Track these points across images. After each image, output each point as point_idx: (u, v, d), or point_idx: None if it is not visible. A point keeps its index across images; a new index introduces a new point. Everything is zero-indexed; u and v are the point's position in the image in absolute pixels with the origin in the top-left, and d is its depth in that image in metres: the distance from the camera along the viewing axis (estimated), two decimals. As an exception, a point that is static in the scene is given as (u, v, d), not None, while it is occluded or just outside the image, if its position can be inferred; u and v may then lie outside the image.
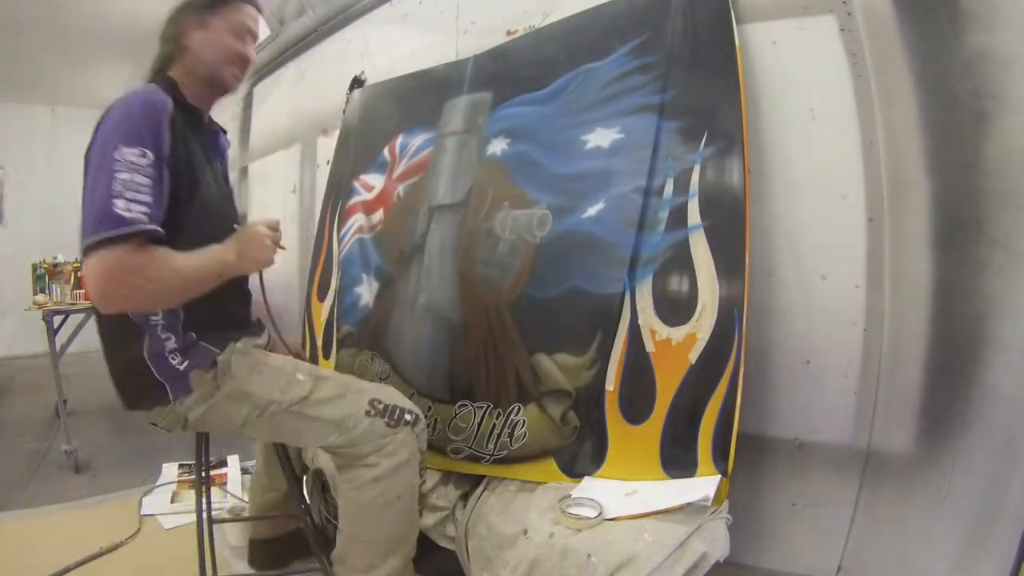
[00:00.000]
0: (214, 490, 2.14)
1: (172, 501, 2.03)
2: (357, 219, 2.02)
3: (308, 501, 1.69)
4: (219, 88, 1.23)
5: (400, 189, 1.89)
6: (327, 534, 1.71)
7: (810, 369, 1.24)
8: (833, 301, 1.22)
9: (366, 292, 1.87)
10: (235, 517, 1.69)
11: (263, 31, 1.50)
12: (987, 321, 1.07)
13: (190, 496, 1.43)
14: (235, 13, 1.20)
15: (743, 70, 1.23)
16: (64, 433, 2.47)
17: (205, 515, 1.34)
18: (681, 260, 1.23)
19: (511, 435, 1.38)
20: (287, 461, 1.40)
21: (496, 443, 1.40)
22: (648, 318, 1.25)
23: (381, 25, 2.33)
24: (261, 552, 1.63)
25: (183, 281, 1.03)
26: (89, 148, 1.02)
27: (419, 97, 1.94)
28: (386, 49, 2.27)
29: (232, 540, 1.57)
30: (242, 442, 1.63)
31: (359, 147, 2.12)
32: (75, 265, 3.00)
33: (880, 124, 1.17)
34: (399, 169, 1.92)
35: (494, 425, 1.42)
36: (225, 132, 1.34)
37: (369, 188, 2.02)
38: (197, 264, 1.04)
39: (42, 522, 1.92)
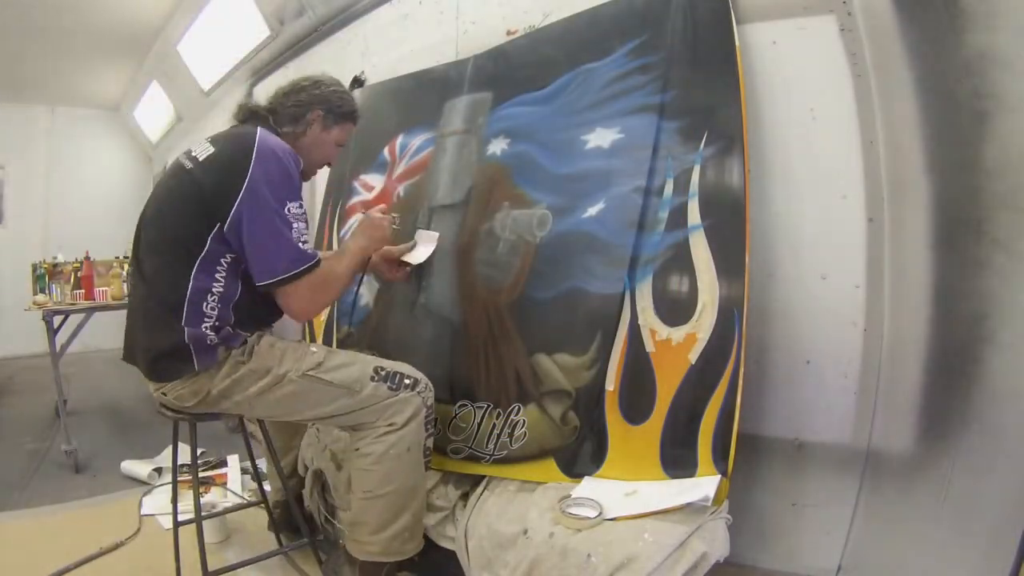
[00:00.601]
0: (215, 489, 2.15)
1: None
2: (357, 219, 2.02)
3: (308, 499, 1.69)
4: (302, 177, 1.41)
5: (400, 189, 1.89)
6: (326, 534, 1.71)
7: (810, 369, 1.24)
8: (833, 301, 1.22)
9: (366, 292, 1.87)
10: (211, 513, 1.70)
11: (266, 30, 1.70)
12: (987, 321, 1.07)
13: (190, 496, 1.43)
14: (347, 130, 1.48)
15: (743, 70, 1.23)
16: (64, 433, 2.47)
17: (185, 512, 1.34)
18: (681, 260, 1.23)
19: (511, 435, 1.38)
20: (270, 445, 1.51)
21: (496, 443, 1.40)
22: (648, 318, 1.25)
23: (381, 25, 2.33)
24: (280, 516, 1.69)
25: (347, 277, 1.37)
26: (240, 176, 1.18)
27: (419, 97, 1.94)
28: (386, 49, 2.27)
29: (209, 537, 1.58)
30: (242, 442, 1.63)
31: (359, 147, 2.12)
32: (75, 265, 3.00)
33: (880, 124, 1.17)
34: (399, 169, 1.92)
35: (494, 425, 1.42)
36: None
37: (369, 188, 2.02)
38: (349, 261, 1.36)
39: (42, 522, 1.92)
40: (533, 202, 1.48)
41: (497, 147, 1.61)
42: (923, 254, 1.13)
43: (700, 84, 1.28)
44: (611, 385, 1.27)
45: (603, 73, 1.44)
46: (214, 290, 1.21)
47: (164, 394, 1.27)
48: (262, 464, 1.88)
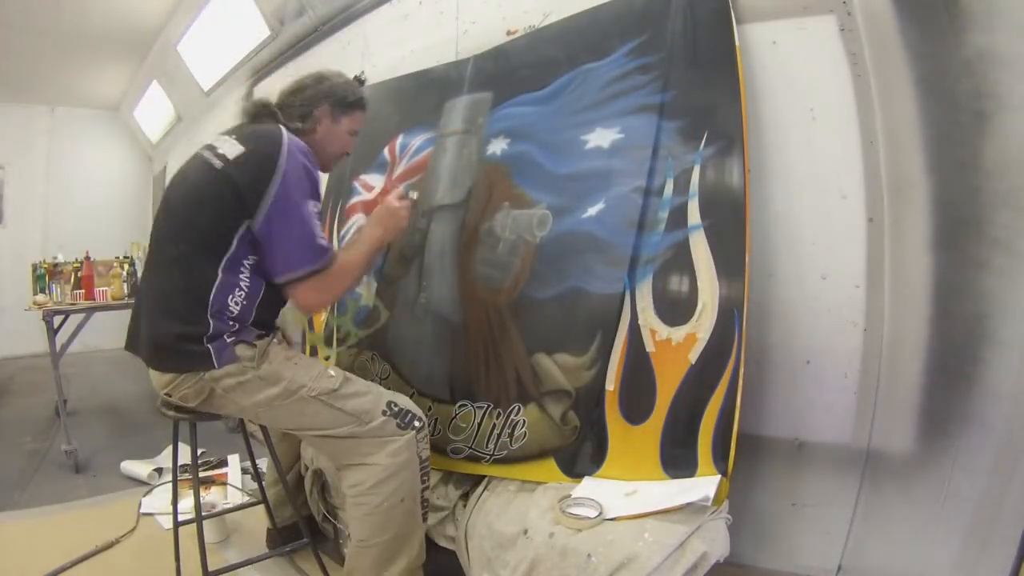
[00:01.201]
0: (216, 489, 2.15)
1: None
2: (357, 219, 2.02)
3: (308, 499, 1.69)
4: (323, 169, 1.43)
5: (401, 188, 1.89)
6: (326, 533, 1.71)
7: (810, 369, 1.24)
8: (833, 301, 1.22)
9: (366, 292, 1.87)
10: (211, 513, 1.71)
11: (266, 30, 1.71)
12: (987, 321, 1.07)
13: (190, 496, 1.43)
14: (358, 118, 1.49)
15: (743, 70, 1.23)
16: (64, 433, 2.47)
17: (185, 512, 1.34)
18: (681, 260, 1.23)
19: (511, 435, 1.38)
20: (275, 459, 1.51)
21: (496, 443, 1.40)
22: (648, 318, 1.25)
23: (381, 25, 2.33)
24: (274, 539, 1.69)
25: (361, 268, 1.39)
26: (269, 175, 1.20)
27: (419, 97, 1.94)
28: (386, 49, 2.27)
29: (209, 537, 1.58)
30: (242, 442, 1.63)
31: (359, 147, 2.11)
32: (75, 265, 3.00)
33: (880, 124, 1.17)
34: (399, 169, 1.92)
35: (494, 425, 1.42)
36: None
37: (369, 188, 2.02)
38: (365, 251, 1.38)
39: (42, 522, 1.92)
40: (533, 202, 1.48)
41: (497, 147, 1.61)
42: (923, 254, 1.13)
43: (700, 84, 1.28)
44: (611, 385, 1.27)
45: (603, 73, 1.44)
46: (241, 285, 1.23)
47: (168, 395, 1.26)
48: (262, 464, 1.88)
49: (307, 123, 1.40)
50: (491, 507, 1.29)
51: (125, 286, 2.94)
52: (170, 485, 1.54)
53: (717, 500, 1.06)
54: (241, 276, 1.23)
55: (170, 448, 1.49)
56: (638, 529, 1.03)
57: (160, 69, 4.44)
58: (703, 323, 1.18)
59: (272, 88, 1.46)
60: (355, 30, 2.49)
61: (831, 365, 1.22)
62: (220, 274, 1.20)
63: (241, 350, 1.22)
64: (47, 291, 2.94)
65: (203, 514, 1.37)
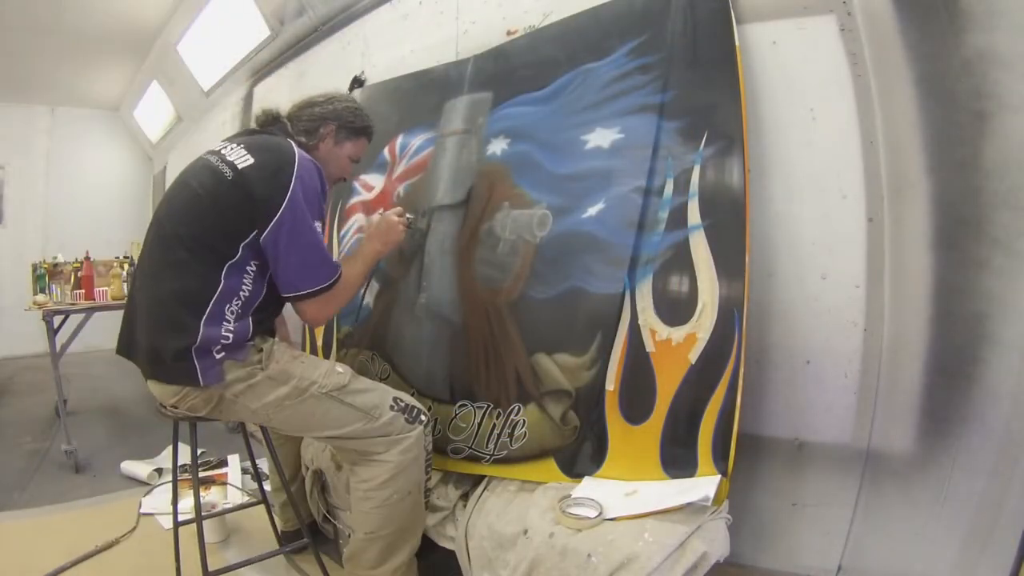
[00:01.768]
0: (216, 489, 2.15)
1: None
2: (357, 219, 2.02)
3: (308, 499, 1.69)
4: None
5: (400, 189, 1.89)
6: (326, 533, 1.71)
7: (810, 369, 1.24)
8: (833, 301, 1.22)
9: (366, 292, 1.87)
10: (211, 513, 1.71)
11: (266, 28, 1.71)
12: (987, 321, 1.07)
13: (190, 496, 1.43)
14: (361, 146, 1.51)
15: (743, 70, 1.23)
16: (64, 433, 2.47)
17: (185, 512, 1.34)
18: (681, 260, 1.23)
19: (511, 435, 1.38)
20: (278, 465, 1.52)
21: (496, 443, 1.40)
22: (648, 318, 1.25)
23: (381, 25, 2.33)
24: (288, 541, 1.67)
25: (360, 282, 1.44)
26: (282, 190, 1.20)
27: (419, 97, 1.94)
28: (386, 49, 2.27)
29: (209, 537, 1.58)
30: (242, 442, 1.63)
31: (359, 147, 2.11)
32: (75, 265, 3.00)
33: (880, 124, 1.17)
34: (399, 169, 1.92)
35: (494, 425, 1.42)
36: None
37: (369, 188, 2.02)
38: (362, 266, 1.42)
39: (42, 522, 1.92)
40: (533, 202, 1.48)
41: (497, 147, 1.61)
42: (923, 254, 1.13)
43: (700, 84, 1.28)
44: (611, 385, 1.27)
45: (603, 73, 1.44)
46: (241, 294, 1.22)
47: (175, 407, 1.25)
48: (262, 464, 1.88)
49: (311, 139, 1.41)
50: (491, 507, 1.29)
51: (125, 286, 2.94)
52: (170, 485, 1.54)
53: (717, 500, 1.06)
54: (244, 281, 1.22)
55: (170, 448, 1.49)
56: (638, 529, 1.03)
57: (160, 69, 4.44)
58: (703, 323, 1.18)
59: (273, 88, 1.46)
60: (355, 30, 2.49)
61: (831, 365, 1.22)
62: (222, 280, 1.19)
63: (229, 367, 1.20)
64: (47, 291, 2.94)
65: (203, 514, 1.36)
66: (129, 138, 5.84)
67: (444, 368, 1.58)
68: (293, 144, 1.29)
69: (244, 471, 2.27)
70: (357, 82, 2.31)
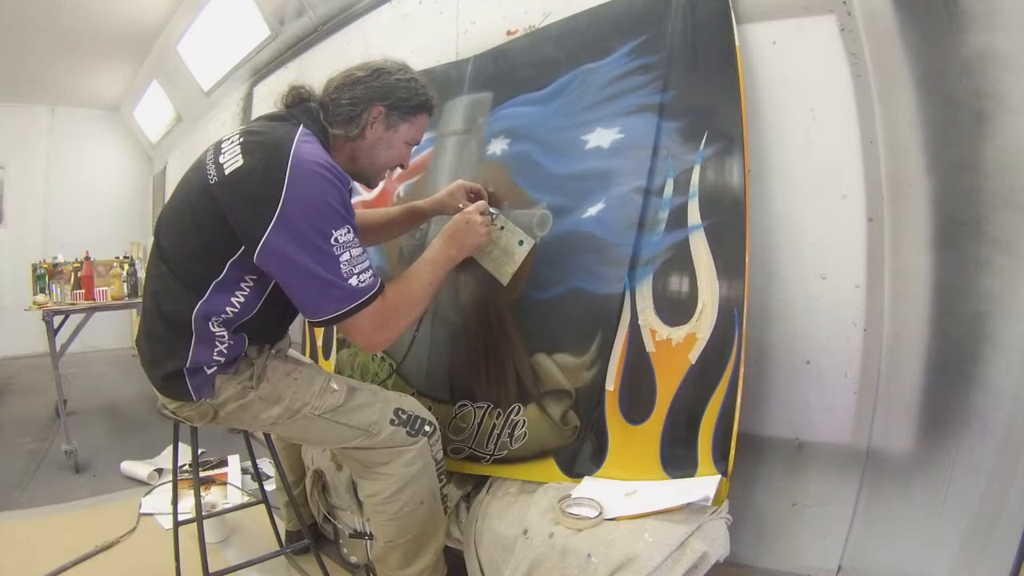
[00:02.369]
0: (216, 489, 2.15)
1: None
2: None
3: (308, 499, 1.69)
4: (365, 183, 1.27)
5: (400, 189, 1.89)
6: (326, 534, 1.71)
7: (810, 369, 1.24)
8: (833, 301, 1.22)
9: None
10: (211, 513, 1.71)
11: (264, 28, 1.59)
12: (987, 321, 1.07)
13: (191, 496, 1.43)
14: (421, 124, 1.25)
15: (743, 70, 1.23)
16: (64, 433, 2.47)
17: (185, 512, 1.34)
18: (681, 260, 1.23)
19: (511, 435, 1.38)
20: (280, 469, 1.50)
21: (496, 443, 1.40)
22: (648, 318, 1.25)
23: (381, 25, 2.33)
24: (293, 540, 1.70)
25: (430, 293, 1.20)
26: (278, 214, 1.00)
27: (419, 97, 1.94)
28: (386, 49, 2.27)
29: (209, 537, 1.59)
30: (242, 442, 1.63)
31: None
32: (75, 265, 3.00)
33: (880, 124, 1.17)
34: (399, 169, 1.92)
35: (494, 425, 1.42)
36: None
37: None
38: (432, 275, 1.19)
39: (42, 522, 1.92)
40: (533, 202, 1.48)
41: (497, 147, 1.61)
42: (923, 254, 1.13)
43: (700, 84, 1.28)
44: (611, 385, 1.27)
45: (603, 73, 1.44)
46: (227, 311, 1.10)
47: (174, 412, 1.25)
48: (262, 464, 1.88)
49: (354, 127, 1.18)
50: (493, 511, 1.29)
51: (125, 286, 2.94)
52: (170, 485, 1.54)
53: (717, 500, 1.06)
54: (231, 301, 1.10)
55: (170, 448, 1.49)
56: (638, 529, 1.03)
57: (160, 69, 4.44)
58: (703, 323, 1.18)
59: (273, 88, 1.44)
60: (355, 30, 2.49)
61: (831, 365, 1.22)
62: (205, 300, 1.08)
63: (222, 382, 1.15)
64: (47, 291, 2.94)
65: (203, 514, 1.37)
66: (129, 138, 5.85)
67: (444, 368, 1.58)
68: (296, 139, 1.05)
69: (244, 471, 2.28)
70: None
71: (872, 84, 1.17)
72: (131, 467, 2.34)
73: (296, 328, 2.15)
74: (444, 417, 1.52)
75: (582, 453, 1.28)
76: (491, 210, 1.35)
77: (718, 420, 1.14)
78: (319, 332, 2.04)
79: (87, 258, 3.01)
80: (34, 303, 2.82)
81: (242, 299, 1.11)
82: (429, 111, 1.26)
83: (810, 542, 1.25)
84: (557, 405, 1.33)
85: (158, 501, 2.03)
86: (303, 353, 2.05)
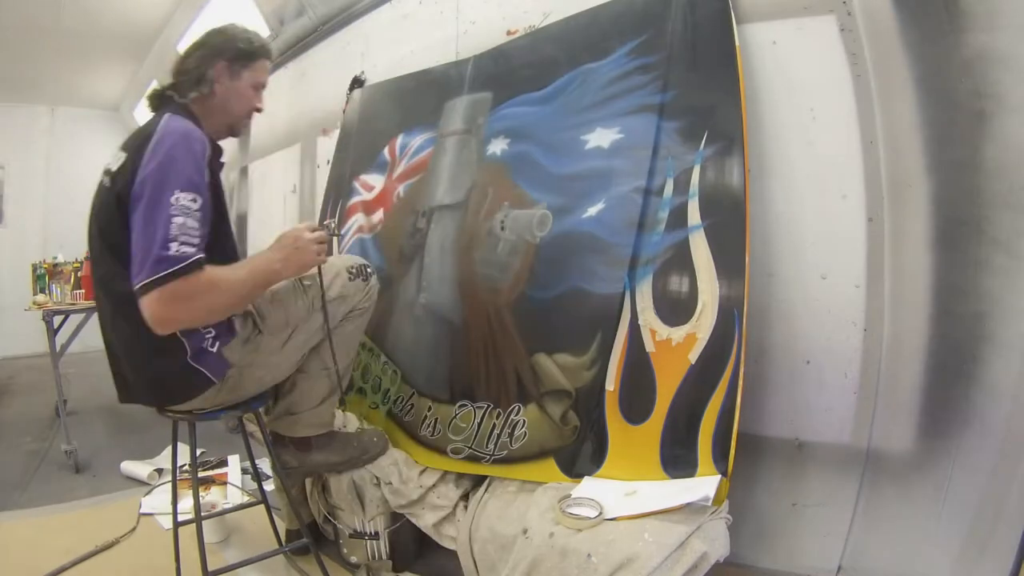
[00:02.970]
0: (216, 489, 2.15)
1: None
2: (357, 219, 2.02)
3: (308, 499, 1.69)
4: (232, 133, 1.36)
5: (400, 189, 1.89)
6: (326, 534, 1.71)
7: (810, 369, 1.24)
8: (833, 301, 1.22)
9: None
10: (211, 513, 1.71)
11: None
12: (987, 321, 1.07)
13: (191, 496, 1.43)
14: (260, 70, 1.33)
15: (743, 70, 1.23)
16: (64, 433, 2.46)
17: (184, 513, 1.34)
18: (681, 260, 1.23)
19: (511, 435, 1.38)
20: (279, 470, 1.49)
21: (496, 443, 1.40)
22: (648, 318, 1.25)
23: (381, 25, 2.33)
24: (292, 539, 1.68)
25: (236, 296, 1.15)
26: (136, 176, 1.06)
27: (419, 97, 1.94)
28: (386, 49, 2.27)
29: (209, 537, 1.59)
30: (242, 442, 1.63)
31: (359, 147, 2.12)
32: (75, 265, 3.00)
33: (880, 124, 1.17)
34: (399, 169, 1.92)
35: (494, 425, 1.42)
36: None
37: (369, 188, 2.02)
38: (250, 277, 1.17)
39: (42, 522, 1.92)
40: (533, 202, 1.48)
41: (497, 147, 1.61)
42: (923, 254, 1.13)
43: (700, 84, 1.28)
44: (611, 385, 1.27)
45: (603, 73, 1.44)
46: None
47: (202, 409, 1.25)
48: (262, 464, 1.88)
49: (203, 87, 1.25)
50: (492, 510, 1.29)
51: (125, 286, 2.94)
52: (170, 485, 1.54)
53: (717, 500, 1.06)
54: None
55: (170, 448, 1.49)
56: (638, 529, 1.03)
57: (160, 69, 4.42)
58: (703, 323, 1.18)
59: (273, 88, 1.44)
60: (355, 30, 2.49)
61: (831, 365, 1.22)
62: None
63: (229, 350, 1.21)
64: (47, 291, 2.93)
65: (203, 514, 1.36)
66: (129, 138, 5.84)
67: (444, 368, 1.58)
68: (164, 118, 1.12)
69: (244, 471, 2.27)
70: (357, 82, 2.31)
71: (872, 84, 1.17)
72: (131, 467, 2.34)
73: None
74: (444, 417, 1.52)
75: (582, 453, 1.28)
76: (328, 222, 1.48)
77: (718, 420, 1.14)
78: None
79: (87, 258, 2.99)
80: (34, 303, 2.82)
81: None
82: (267, 55, 1.36)
83: (810, 542, 1.25)
84: (557, 405, 1.33)
85: (158, 501, 2.03)
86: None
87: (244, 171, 3.60)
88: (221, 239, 1.23)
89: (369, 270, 1.46)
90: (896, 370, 1.16)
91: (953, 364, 1.11)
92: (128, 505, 2.02)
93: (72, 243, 4.07)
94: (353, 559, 1.57)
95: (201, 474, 2.18)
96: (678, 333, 1.21)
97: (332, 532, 1.69)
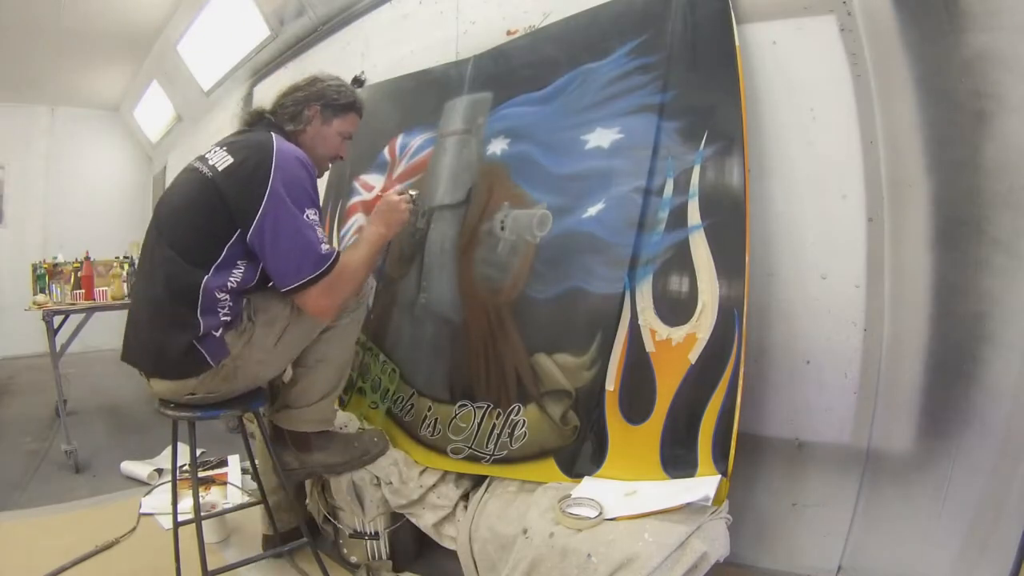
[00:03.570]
0: (216, 489, 2.15)
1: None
2: (357, 219, 2.02)
3: (308, 499, 1.69)
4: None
5: (400, 189, 1.89)
6: (326, 534, 1.71)
7: (810, 369, 1.24)
8: (833, 301, 1.22)
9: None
10: (210, 513, 1.71)
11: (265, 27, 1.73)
12: (987, 321, 1.07)
13: (191, 496, 1.43)
14: (351, 122, 1.50)
15: (743, 70, 1.23)
16: (64, 433, 2.47)
17: (184, 512, 1.34)
18: (681, 260, 1.23)
19: (511, 435, 1.38)
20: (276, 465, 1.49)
21: (496, 443, 1.40)
22: (648, 318, 1.25)
23: (381, 25, 2.33)
24: (272, 544, 1.67)
25: (366, 267, 1.39)
26: (253, 184, 1.22)
27: (419, 97, 1.94)
28: (386, 49, 2.27)
29: (209, 537, 1.60)
30: (242, 442, 1.63)
31: (359, 147, 2.11)
32: (75, 265, 3.00)
33: (880, 124, 1.17)
34: (399, 169, 1.92)
35: (494, 425, 1.42)
36: None
37: (369, 188, 2.02)
38: (369, 249, 1.39)
39: (42, 522, 1.92)
40: (533, 202, 1.48)
41: (497, 147, 1.61)
42: (923, 254, 1.13)
43: (700, 84, 1.28)
44: (611, 385, 1.27)
45: (603, 73, 1.44)
46: (228, 286, 1.25)
47: (193, 393, 1.29)
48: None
49: (297, 123, 1.42)
50: (492, 509, 1.29)
51: (125, 286, 2.94)
52: (170, 485, 1.54)
53: (717, 500, 1.06)
54: (233, 274, 1.25)
55: (170, 448, 1.49)
56: (638, 529, 1.03)
57: (160, 69, 4.44)
58: (703, 323, 1.18)
59: (272, 88, 1.45)
60: (355, 30, 2.49)
61: (831, 365, 1.22)
62: (207, 280, 1.22)
63: (232, 338, 1.27)
64: (47, 291, 2.93)
65: (203, 514, 1.36)
66: (129, 138, 5.84)
67: (444, 368, 1.58)
68: (275, 137, 1.29)
69: (244, 471, 2.27)
70: (357, 82, 2.30)
71: (872, 84, 1.17)
72: (131, 467, 2.34)
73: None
74: (444, 417, 1.52)
75: (582, 453, 1.28)
76: (411, 192, 1.51)
77: (718, 420, 1.14)
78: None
79: (87, 258, 3.00)
80: (34, 303, 2.82)
81: (239, 276, 1.27)
82: (358, 111, 1.51)
83: (810, 542, 1.25)
84: (557, 405, 1.33)
85: (158, 501, 2.03)
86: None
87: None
88: None
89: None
90: (896, 370, 1.16)
91: (953, 364, 1.11)
92: (128, 505, 2.02)
93: (72, 243, 4.08)
94: (353, 559, 1.57)
95: (201, 474, 2.18)
96: (678, 333, 1.21)
97: (332, 532, 1.69)
